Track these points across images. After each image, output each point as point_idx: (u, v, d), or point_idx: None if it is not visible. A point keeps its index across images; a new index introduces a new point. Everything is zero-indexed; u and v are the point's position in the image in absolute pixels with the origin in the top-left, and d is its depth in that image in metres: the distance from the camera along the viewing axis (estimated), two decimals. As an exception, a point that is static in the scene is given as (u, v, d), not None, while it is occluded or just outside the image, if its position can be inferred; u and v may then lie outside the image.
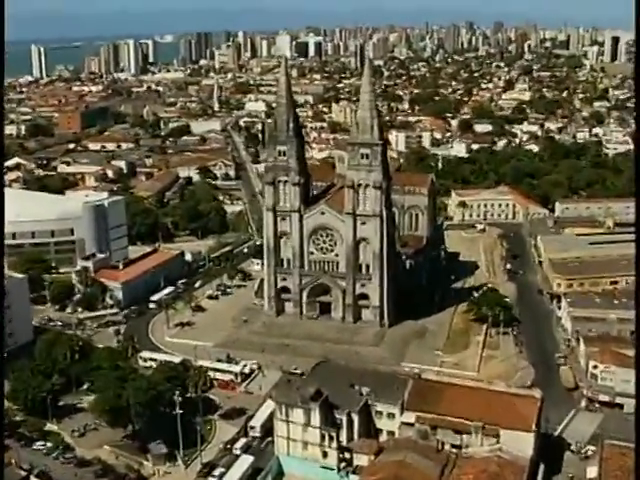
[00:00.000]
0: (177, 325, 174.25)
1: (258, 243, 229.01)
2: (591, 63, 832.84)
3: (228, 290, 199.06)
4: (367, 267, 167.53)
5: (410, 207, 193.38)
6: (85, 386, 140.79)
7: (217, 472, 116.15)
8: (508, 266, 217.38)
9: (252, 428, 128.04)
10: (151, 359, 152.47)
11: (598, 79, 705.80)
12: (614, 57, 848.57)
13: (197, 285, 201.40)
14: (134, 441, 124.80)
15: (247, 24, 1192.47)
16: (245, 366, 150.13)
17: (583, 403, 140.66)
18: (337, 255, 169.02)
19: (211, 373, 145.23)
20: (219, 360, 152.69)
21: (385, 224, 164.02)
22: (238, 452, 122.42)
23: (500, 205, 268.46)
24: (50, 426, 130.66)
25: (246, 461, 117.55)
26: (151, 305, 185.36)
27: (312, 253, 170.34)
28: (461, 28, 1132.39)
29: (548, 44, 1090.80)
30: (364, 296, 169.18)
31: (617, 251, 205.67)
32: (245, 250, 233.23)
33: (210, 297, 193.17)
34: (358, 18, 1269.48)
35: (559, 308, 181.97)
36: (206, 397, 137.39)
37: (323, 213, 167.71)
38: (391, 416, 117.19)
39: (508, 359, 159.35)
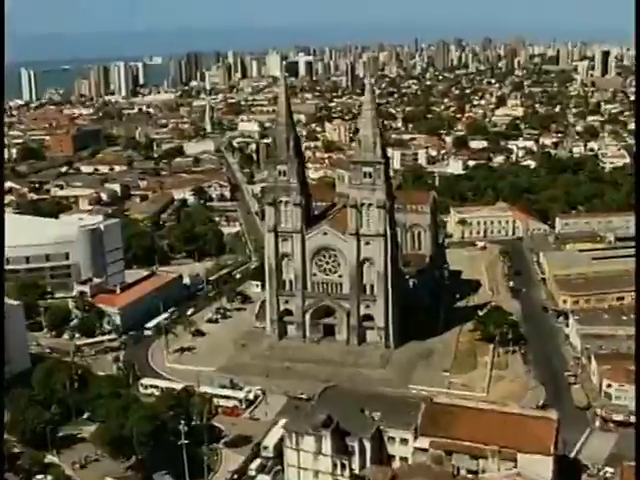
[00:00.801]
0: (177, 350, 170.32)
1: (254, 266, 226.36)
2: (582, 78, 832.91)
3: (228, 313, 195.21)
4: (371, 288, 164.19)
5: (412, 225, 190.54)
6: (85, 415, 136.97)
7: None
8: (511, 283, 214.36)
9: (265, 448, 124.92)
10: (152, 386, 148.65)
11: (589, 93, 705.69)
12: (604, 71, 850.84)
13: (196, 309, 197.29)
14: (138, 472, 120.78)
15: (236, 43, 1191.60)
16: (249, 392, 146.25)
17: (597, 423, 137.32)
18: (340, 276, 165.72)
19: (215, 400, 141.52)
20: (222, 386, 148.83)
21: (389, 244, 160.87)
22: (254, 473, 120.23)
23: (500, 222, 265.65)
24: (50, 458, 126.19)
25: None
26: (147, 332, 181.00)
27: (315, 274, 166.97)
28: (450, 45, 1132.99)
29: (537, 60, 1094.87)
30: (369, 317, 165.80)
31: (621, 266, 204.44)
32: (243, 272, 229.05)
33: (210, 321, 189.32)
34: (346, 35, 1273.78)
35: (566, 325, 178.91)
36: (210, 425, 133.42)
37: (326, 233, 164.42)
38: (404, 442, 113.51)
39: (517, 379, 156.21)
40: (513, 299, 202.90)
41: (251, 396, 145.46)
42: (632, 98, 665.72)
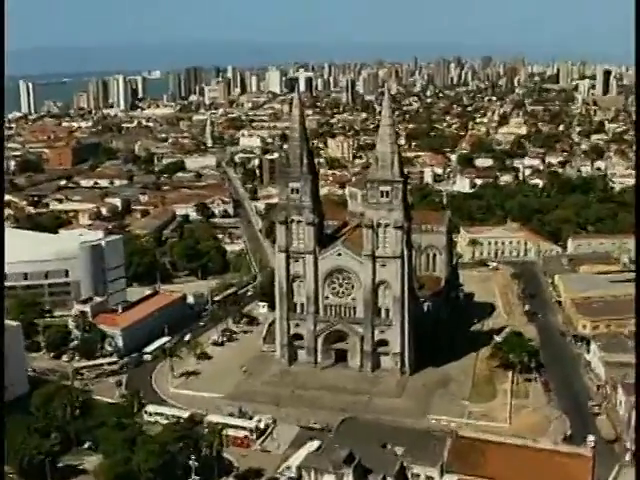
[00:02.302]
0: (182, 375, 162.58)
1: (259, 286, 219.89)
2: (583, 97, 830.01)
3: (234, 336, 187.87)
4: (387, 312, 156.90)
5: (427, 247, 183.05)
6: (86, 445, 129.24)
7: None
8: (526, 307, 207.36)
9: (288, 468, 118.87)
10: (157, 413, 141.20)
11: (592, 112, 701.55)
12: (606, 90, 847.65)
13: (201, 331, 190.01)
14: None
15: (235, 58, 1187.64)
16: (260, 421, 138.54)
17: (627, 457, 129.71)
18: (354, 299, 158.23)
19: (224, 429, 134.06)
20: (231, 414, 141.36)
21: (406, 266, 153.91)
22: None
23: (511, 242, 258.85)
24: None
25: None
26: (145, 357, 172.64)
27: (327, 297, 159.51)
28: (449, 63, 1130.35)
29: (537, 78, 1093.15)
30: (383, 342, 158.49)
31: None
32: (249, 292, 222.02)
33: (215, 343, 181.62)
34: (346, 52, 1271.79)
35: (587, 352, 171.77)
36: (220, 456, 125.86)
37: (340, 254, 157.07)
38: (430, 479, 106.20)
39: (539, 408, 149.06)
40: (529, 323, 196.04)
41: (261, 425, 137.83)
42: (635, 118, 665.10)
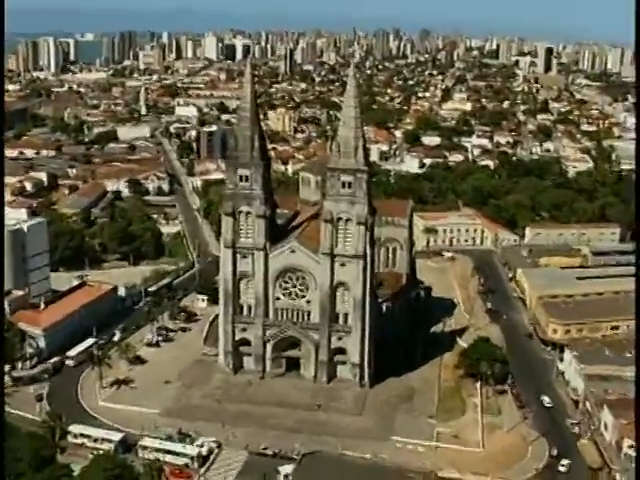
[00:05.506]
0: (113, 384, 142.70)
1: (197, 274, 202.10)
2: (524, 74, 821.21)
3: (170, 334, 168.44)
4: (345, 317, 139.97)
5: (387, 240, 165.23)
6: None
7: None
8: (488, 305, 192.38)
9: None
10: (83, 435, 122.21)
11: (534, 90, 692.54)
12: (547, 68, 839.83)
13: (133, 328, 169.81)
14: None
15: (172, 25, 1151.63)
16: (202, 445, 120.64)
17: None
18: (309, 302, 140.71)
19: (160, 456, 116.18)
20: (169, 437, 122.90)
21: (369, 266, 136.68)
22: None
23: (467, 230, 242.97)
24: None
25: None
26: (68, 362, 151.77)
27: (278, 299, 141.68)
28: (388, 34, 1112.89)
29: (476, 53, 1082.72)
30: (341, 351, 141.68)
31: (608, 287, 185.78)
32: (186, 282, 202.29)
33: (149, 344, 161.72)
34: (283, 22, 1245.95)
35: (560, 360, 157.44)
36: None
37: (294, 251, 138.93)
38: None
39: (514, 428, 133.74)
40: (492, 323, 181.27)
41: (204, 451, 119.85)
42: (578, 97, 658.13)
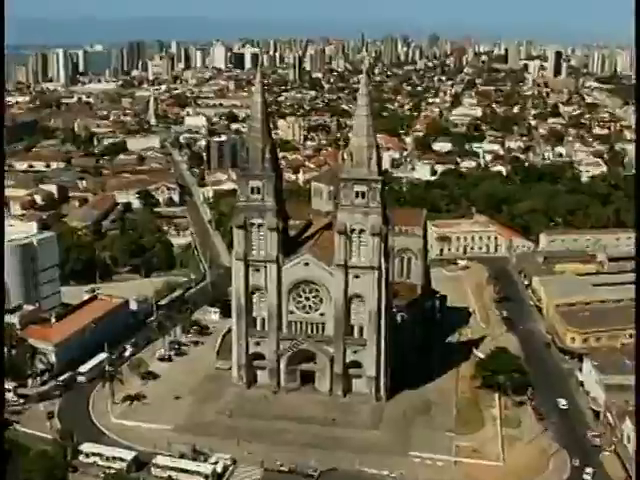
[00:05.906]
0: (125, 400, 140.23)
1: (209, 287, 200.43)
2: (534, 77, 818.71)
3: (183, 348, 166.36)
4: (360, 329, 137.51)
5: (402, 250, 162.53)
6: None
7: None
8: (504, 313, 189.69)
9: None
10: (95, 454, 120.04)
11: (544, 94, 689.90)
12: (557, 72, 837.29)
13: (145, 343, 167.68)
14: None
15: (180, 33, 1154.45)
16: (216, 463, 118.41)
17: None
18: (323, 315, 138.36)
19: (173, 474, 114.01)
20: (182, 455, 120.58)
21: (383, 278, 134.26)
22: None
23: (481, 238, 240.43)
24: None
25: None
26: (80, 378, 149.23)
27: (292, 312, 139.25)
28: (397, 40, 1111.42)
29: (484, 58, 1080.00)
30: (356, 364, 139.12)
31: (625, 293, 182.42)
32: (198, 295, 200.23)
33: (162, 359, 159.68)
34: (292, 29, 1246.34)
35: (579, 370, 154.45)
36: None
37: (307, 264, 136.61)
38: None
39: (534, 441, 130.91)
40: (509, 332, 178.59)
41: (219, 468, 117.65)
42: (588, 100, 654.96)
